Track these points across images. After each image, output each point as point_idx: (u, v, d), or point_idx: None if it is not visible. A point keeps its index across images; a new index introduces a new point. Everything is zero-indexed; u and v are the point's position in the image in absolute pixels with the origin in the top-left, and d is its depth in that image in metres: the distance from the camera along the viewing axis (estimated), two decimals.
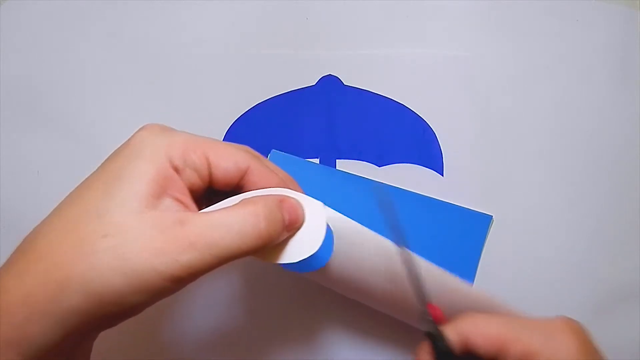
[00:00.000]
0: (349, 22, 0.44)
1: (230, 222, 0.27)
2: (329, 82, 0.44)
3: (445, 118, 0.44)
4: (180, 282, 0.26)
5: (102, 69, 0.44)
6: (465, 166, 0.43)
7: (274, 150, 0.43)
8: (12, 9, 0.44)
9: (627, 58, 0.43)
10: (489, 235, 0.43)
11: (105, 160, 0.29)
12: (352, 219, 0.31)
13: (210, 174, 0.29)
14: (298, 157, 0.43)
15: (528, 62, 0.44)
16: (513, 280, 0.43)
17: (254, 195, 0.29)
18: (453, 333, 0.29)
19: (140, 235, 0.25)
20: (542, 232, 0.43)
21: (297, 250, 0.30)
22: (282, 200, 0.29)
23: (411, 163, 0.44)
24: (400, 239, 0.30)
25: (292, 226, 0.29)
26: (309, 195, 0.31)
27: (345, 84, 0.44)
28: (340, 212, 0.31)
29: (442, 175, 0.44)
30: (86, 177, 0.29)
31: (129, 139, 0.29)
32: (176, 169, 0.28)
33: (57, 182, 0.44)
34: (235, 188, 0.30)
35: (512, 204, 0.43)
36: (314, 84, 0.44)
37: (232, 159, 0.29)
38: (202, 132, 0.44)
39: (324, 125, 0.44)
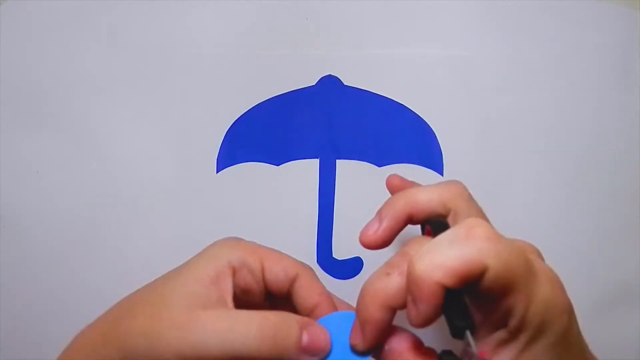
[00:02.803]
0: (349, 22, 0.44)
1: (242, 318, 0.30)
2: (329, 82, 0.44)
3: (445, 118, 0.44)
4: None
5: (102, 69, 0.44)
6: (465, 166, 0.43)
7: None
8: (12, 9, 0.44)
9: (627, 58, 0.43)
10: None
11: None
12: None
13: (263, 277, 0.33)
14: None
15: (528, 62, 0.43)
16: None
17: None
18: None
19: (173, 310, 0.30)
20: (541, 232, 0.43)
21: None
22: (307, 322, 0.31)
23: (411, 163, 0.44)
24: None
25: (311, 350, 0.30)
26: None
27: (345, 84, 0.44)
28: None
29: (442, 175, 0.44)
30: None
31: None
32: (234, 270, 0.32)
33: (57, 182, 0.44)
34: (287, 294, 0.34)
35: (512, 204, 0.43)
36: (314, 84, 0.44)
37: (282, 265, 0.33)
38: (202, 132, 0.44)
39: (324, 125, 0.44)
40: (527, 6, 0.44)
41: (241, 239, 0.34)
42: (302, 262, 0.35)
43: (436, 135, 0.44)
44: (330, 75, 0.44)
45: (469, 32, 0.44)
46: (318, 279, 0.34)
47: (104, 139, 0.44)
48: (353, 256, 0.44)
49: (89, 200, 0.44)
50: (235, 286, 0.32)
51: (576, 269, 0.43)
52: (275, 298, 0.34)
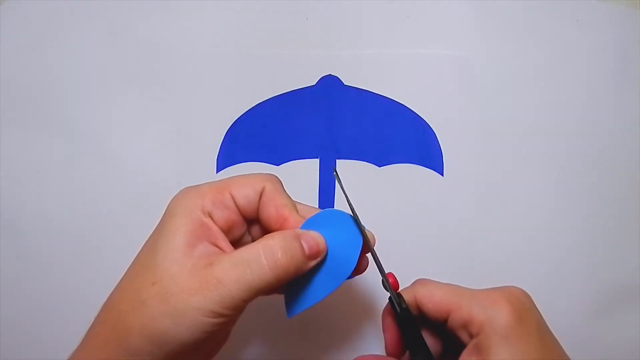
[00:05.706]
0: (349, 22, 0.44)
1: (248, 257, 0.30)
2: (329, 82, 0.44)
3: (445, 118, 0.44)
4: (219, 315, 0.29)
5: (102, 69, 0.44)
6: (465, 166, 0.43)
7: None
8: (12, 9, 0.44)
9: (627, 58, 0.43)
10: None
11: (157, 225, 0.33)
12: None
13: (237, 205, 0.32)
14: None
15: (528, 62, 0.44)
16: (512, 280, 0.43)
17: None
18: (409, 296, 0.33)
19: (180, 279, 0.29)
20: (542, 232, 0.43)
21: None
22: (301, 233, 0.31)
23: (411, 163, 0.44)
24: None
25: (314, 255, 0.31)
26: None
27: (345, 84, 0.44)
28: None
29: (442, 175, 0.44)
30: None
31: (169, 202, 0.33)
32: (210, 214, 0.32)
33: (57, 182, 0.44)
34: (258, 214, 0.33)
35: (512, 204, 0.43)
36: (314, 84, 0.44)
37: (248, 184, 0.33)
38: (203, 132, 0.44)
39: (324, 125, 0.44)
40: (527, 6, 0.44)
41: (198, 185, 0.33)
42: (267, 174, 0.34)
43: (436, 135, 0.44)
44: (330, 75, 0.44)
45: (469, 32, 0.44)
46: (282, 188, 0.34)
47: (104, 139, 0.44)
48: None
49: (89, 200, 0.44)
50: (220, 227, 0.32)
51: (576, 269, 0.43)
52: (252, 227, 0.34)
